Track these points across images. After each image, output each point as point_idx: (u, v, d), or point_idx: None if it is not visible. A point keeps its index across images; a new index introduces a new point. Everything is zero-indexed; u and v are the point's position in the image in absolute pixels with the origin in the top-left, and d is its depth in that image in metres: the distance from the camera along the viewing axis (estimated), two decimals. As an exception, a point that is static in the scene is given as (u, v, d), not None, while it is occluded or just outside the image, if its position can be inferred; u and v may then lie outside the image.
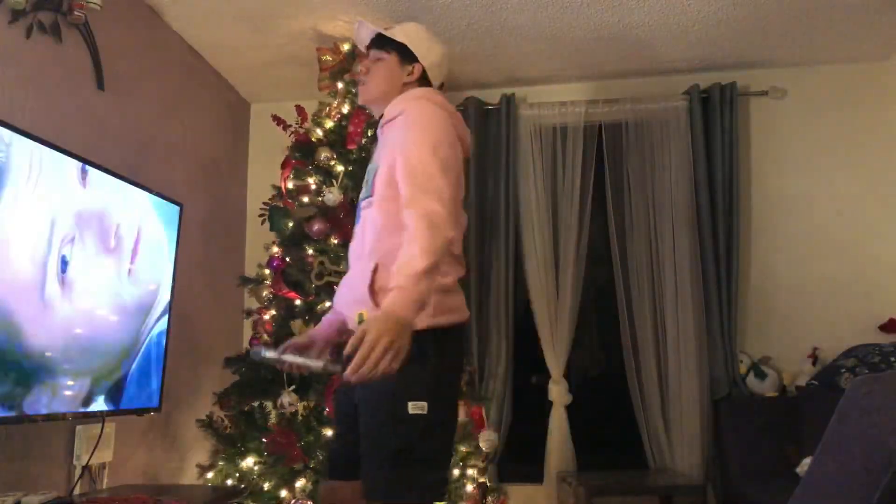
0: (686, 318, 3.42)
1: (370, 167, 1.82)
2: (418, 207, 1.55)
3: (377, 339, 1.39)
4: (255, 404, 2.87)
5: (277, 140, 3.36)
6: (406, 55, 1.89)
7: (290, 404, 2.70)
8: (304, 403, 2.75)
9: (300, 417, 2.73)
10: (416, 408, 1.57)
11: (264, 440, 2.72)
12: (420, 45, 1.91)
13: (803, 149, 3.61)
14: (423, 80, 1.91)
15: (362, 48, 2.02)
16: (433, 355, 1.61)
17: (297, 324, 2.83)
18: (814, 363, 3.36)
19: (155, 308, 2.56)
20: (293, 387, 2.73)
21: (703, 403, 3.35)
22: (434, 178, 1.60)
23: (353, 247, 1.81)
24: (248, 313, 3.13)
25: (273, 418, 2.81)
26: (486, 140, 3.69)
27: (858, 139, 3.58)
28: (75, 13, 2.43)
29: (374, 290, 1.62)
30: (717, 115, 3.55)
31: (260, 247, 3.21)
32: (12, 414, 1.87)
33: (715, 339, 3.41)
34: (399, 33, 1.91)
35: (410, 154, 1.63)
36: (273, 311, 2.93)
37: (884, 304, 3.40)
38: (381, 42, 1.91)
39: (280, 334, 2.90)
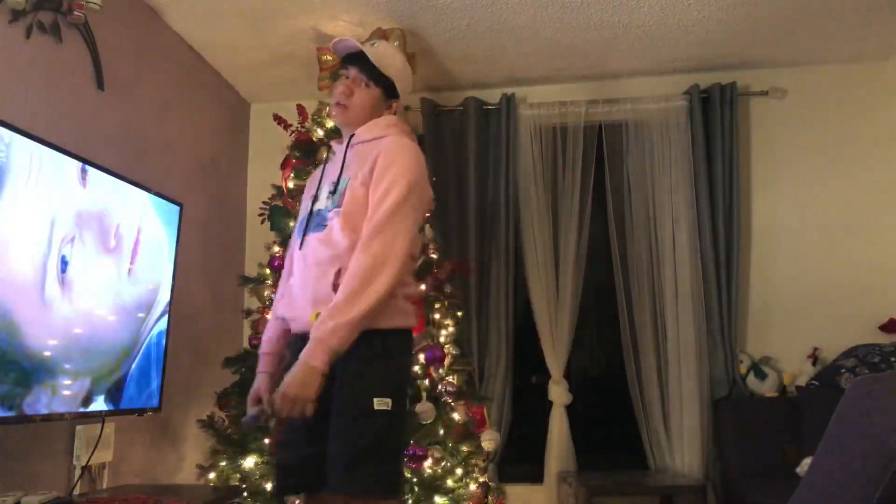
0: (686, 318, 3.42)
1: (342, 179, 1.84)
2: (372, 247, 1.67)
3: (286, 395, 1.60)
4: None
5: (277, 140, 3.36)
6: (390, 90, 1.93)
7: None
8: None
9: None
10: (381, 404, 1.66)
11: (267, 440, 2.71)
12: (402, 81, 1.96)
13: (803, 149, 3.61)
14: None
15: (337, 55, 2.01)
16: (396, 354, 1.73)
17: None
18: (814, 363, 3.36)
19: (155, 308, 2.56)
20: None
21: (703, 403, 3.35)
22: (402, 220, 1.71)
23: (313, 252, 1.82)
24: (248, 313, 3.13)
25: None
26: (486, 140, 3.69)
27: (858, 139, 3.57)
28: (75, 13, 2.43)
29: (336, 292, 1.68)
30: (717, 115, 3.55)
31: (260, 247, 3.20)
32: (12, 414, 1.87)
33: (715, 339, 3.41)
34: (386, 64, 1.91)
35: (388, 194, 1.72)
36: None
37: (884, 304, 3.40)
38: (369, 68, 1.90)
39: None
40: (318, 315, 1.69)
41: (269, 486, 2.66)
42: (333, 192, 1.83)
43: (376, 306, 1.63)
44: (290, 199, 3.04)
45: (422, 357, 2.77)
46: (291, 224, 3.01)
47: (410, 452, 2.54)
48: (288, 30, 3.23)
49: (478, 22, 3.16)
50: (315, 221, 1.86)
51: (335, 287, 1.70)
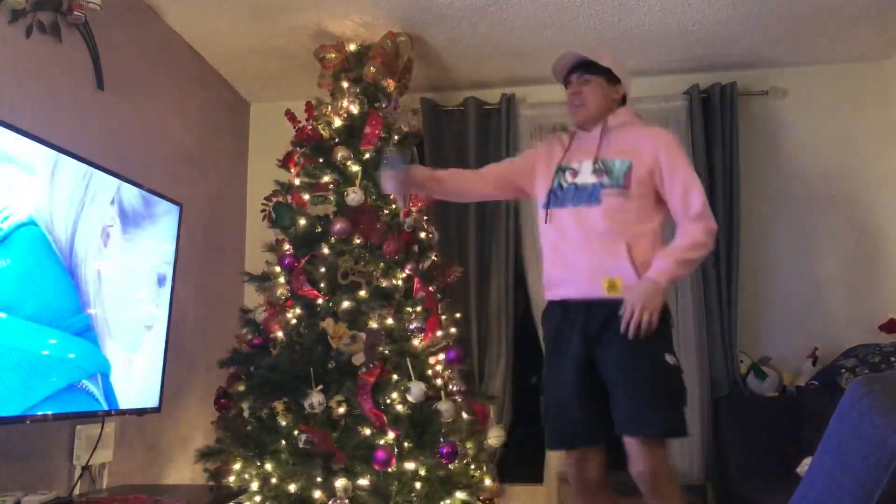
0: (686, 318, 3.41)
1: (614, 161, 2.16)
2: (705, 225, 2.10)
3: (642, 307, 1.98)
4: (267, 407, 2.80)
5: (277, 139, 3.37)
6: (611, 78, 2.26)
7: (320, 403, 2.59)
8: (338, 402, 2.64)
9: (338, 416, 2.63)
10: (671, 359, 2.04)
11: (298, 440, 2.62)
12: (618, 68, 2.25)
13: (803, 149, 3.61)
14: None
15: (557, 78, 2.35)
16: (668, 317, 2.11)
17: (328, 323, 2.71)
18: (814, 363, 3.36)
19: (155, 307, 2.56)
20: (321, 386, 2.62)
21: (703, 403, 3.35)
22: (706, 204, 2.13)
23: (591, 224, 2.13)
24: (245, 312, 3.10)
25: (287, 419, 2.74)
26: (486, 140, 3.68)
27: (859, 139, 3.57)
28: (75, 13, 2.43)
29: (634, 264, 2.08)
30: (717, 115, 3.55)
31: (260, 245, 3.19)
32: (12, 414, 1.88)
33: (715, 339, 3.40)
34: (598, 56, 2.24)
35: (691, 181, 2.13)
36: (297, 310, 2.84)
37: (884, 304, 3.40)
38: (585, 67, 2.25)
39: (303, 328, 2.85)
40: (610, 280, 2.07)
41: (291, 488, 2.58)
42: (605, 172, 2.14)
43: (697, 263, 2.13)
44: (297, 196, 3.01)
45: (441, 356, 2.79)
46: (303, 222, 2.97)
47: (443, 451, 2.56)
48: (288, 30, 3.23)
49: (478, 22, 3.16)
50: (582, 194, 2.16)
51: (632, 261, 2.07)
